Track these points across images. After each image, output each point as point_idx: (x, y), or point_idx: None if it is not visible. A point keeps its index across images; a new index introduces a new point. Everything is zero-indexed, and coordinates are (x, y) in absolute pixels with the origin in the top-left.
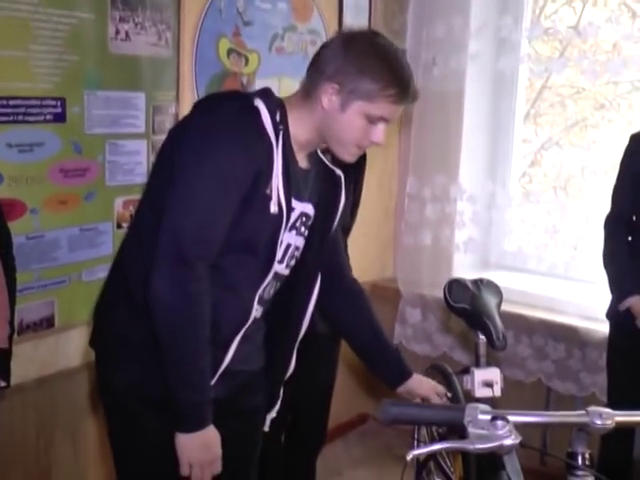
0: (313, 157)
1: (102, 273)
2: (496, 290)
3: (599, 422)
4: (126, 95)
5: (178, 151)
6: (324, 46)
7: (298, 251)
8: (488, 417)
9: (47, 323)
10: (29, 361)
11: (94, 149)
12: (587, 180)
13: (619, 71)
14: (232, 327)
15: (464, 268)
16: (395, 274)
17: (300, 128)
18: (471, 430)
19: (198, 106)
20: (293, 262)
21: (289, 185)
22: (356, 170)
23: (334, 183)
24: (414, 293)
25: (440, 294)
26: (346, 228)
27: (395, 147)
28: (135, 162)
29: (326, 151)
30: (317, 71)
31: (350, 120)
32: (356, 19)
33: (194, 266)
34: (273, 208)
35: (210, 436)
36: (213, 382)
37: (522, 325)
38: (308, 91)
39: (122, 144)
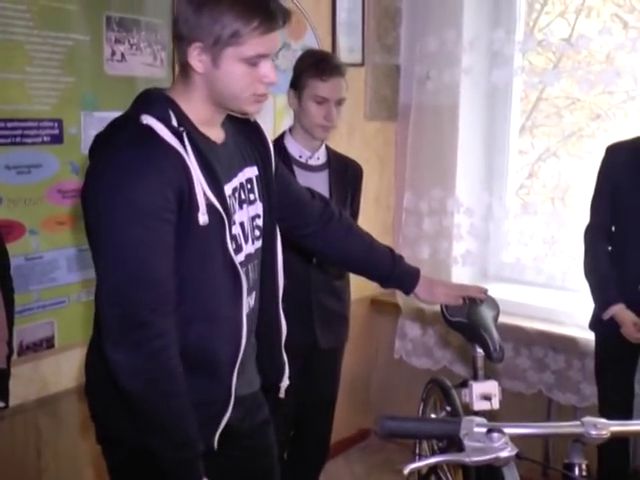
0: (226, 122)
1: None
2: (493, 303)
3: (594, 432)
4: None
5: (89, 213)
6: (175, 17)
7: (260, 218)
8: (484, 430)
9: (47, 343)
10: (29, 381)
11: None
12: (585, 190)
13: (613, 81)
14: (229, 347)
15: (463, 281)
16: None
17: (197, 108)
18: (467, 443)
19: (91, 156)
20: (258, 232)
21: (216, 178)
22: (353, 184)
23: (256, 132)
24: (413, 307)
25: (439, 308)
26: None
27: (391, 161)
28: None
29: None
30: (177, 39)
31: (229, 72)
32: (349, 35)
33: (148, 322)
34: (202, 219)
35: None
36: (228, 413)
37: (521, 337)
38: (182, 65)
39: None
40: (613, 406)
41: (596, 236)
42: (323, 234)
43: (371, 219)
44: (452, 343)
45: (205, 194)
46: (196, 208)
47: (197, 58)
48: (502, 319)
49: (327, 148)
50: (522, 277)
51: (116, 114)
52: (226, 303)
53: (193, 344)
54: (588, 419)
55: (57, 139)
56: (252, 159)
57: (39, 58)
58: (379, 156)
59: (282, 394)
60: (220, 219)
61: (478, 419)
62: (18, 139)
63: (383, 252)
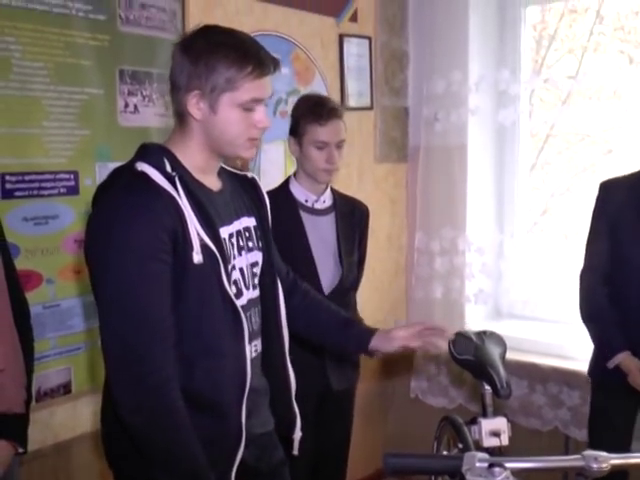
0: (222, 174)
1: None
2: (499, 340)
3: (595, 465)
4: None
5: (89, 258)
6: (171, 69)
7: (257, 266)
8: (485, 464)
9: (64, 389)
10: (46, 427)
11: None
12: None
13: (622, 116)
14: (235, 385)
15: (476, 319)
16: None
17: (193, 156)
18: (469, 478)
19: (93, 205)
20: (257, 280)
21: (209, 220)
22: (360, 226)
23: (252, 186)
24: None
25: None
26: (354, 284)
27: (403, 202)
28: None
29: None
30: (175, 89)
31: (226, 117)
32: (357, 80)
33: (147, 357)
34: (196, 258)
35: None
36: (241, 450)
37: (536, 374)
38: (179, 115)
39: None
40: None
41: (594, 279)
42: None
43: (384, 260)
44: (467, 381)
45: (199, 234)
46: (190, 247)
47: (196, 106)
48: (516, 356)
49: (332, 190)
50: (535, 314)
51: None
52: (229, 342)
53: (198, 382)
54: (589, 452)
55: (73, 190)
56: (250, 210)
57: (55, 112)
58: (390, 197)
59: (296, 450)
60: (215, 259)
61: (480, 454)
62: (35, 191)
63: (339, 320)
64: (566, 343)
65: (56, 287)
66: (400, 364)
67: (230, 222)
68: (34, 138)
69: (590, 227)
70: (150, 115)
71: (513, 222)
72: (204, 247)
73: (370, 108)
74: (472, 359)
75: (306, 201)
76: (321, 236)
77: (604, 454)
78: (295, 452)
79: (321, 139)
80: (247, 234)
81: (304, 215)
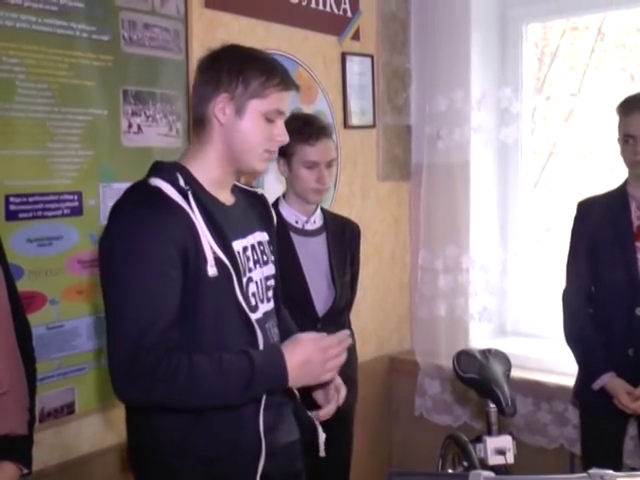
0: (235, 190)
1: None
2: (504, 359)
3: None
4: None
5: (100, 269)
6: (197, 80)
7: (270, 280)
8: None
9: (68, 410)
10: (51, 447)
11: None
12: None
13: None
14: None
15: (480, 337)
16: (413, 346)
17: (209, 168)
18: None
19: (108, 219)
20: (270, 292)
21: (222, 234)
22: (352, 245)
23: (262, 203)
24: (432, 365)
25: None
26: (348, 304)
27: (406, 220)
28: None
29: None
30: (201, 99)
31: (250, 123)
32: (360, 98)
33: (142, 356)
34: (211, 271)
35: (295, 355)
36: (261, 464)
37: (541, 392)
38: (200, 123)
39: None
40: None
41: (577, 300)
42: None
43: (388, 278)
44: (472, 399)
45: (212, 248)
46: (204, 261)
47: (222, 109)
48: (521, 374)
49: (322, 210)
50: (540, 332)
51: None
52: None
53: None
54: (595, 471)
55: (77, 211)
56: (262, 226)
57: (59, 134)
58: (393, 216)
59: (322, 452)
60: (228, 272)
61: (485, 473)
62: (39, 213)
63: None
64: (571, 361)
65: (60, 308)
66: (404, 382)
67: (244, 236)
68: (38, 159)
69: (569, 247)
70: (153, 135)
71: (516, 240)
72: (218, 260)
73: (373, 126)
74: (477, 377)
75: (296, 222)
76: (313, 257)
77: (610, 472)
78: (322, 454)
79: (311, 159)
80: (261, 248)
81: (295, 237)
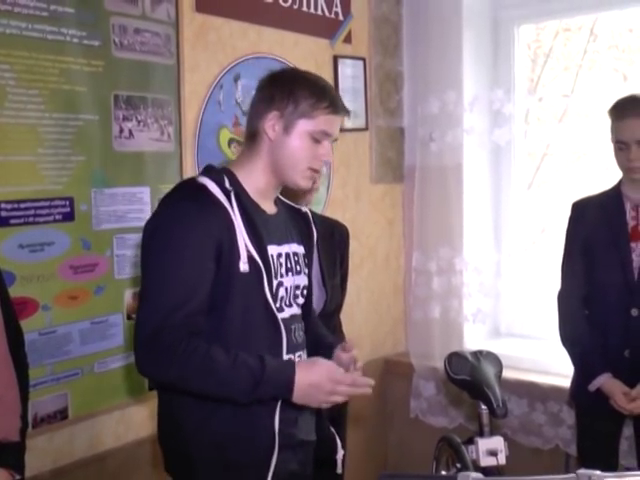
0: (278, 202)
1: (113, 364)
2: (495, 360)
3: None
4: (131, 190)
5: (142, 253)
6: (254, 97)
7: (299, 289)
8: None
9: (61, 415)
10: (44, 453)
11: (102, 244)
12: None
13: None
14: None
15: (475, 339)
16: (408, 349)
17: (255, 177)
18: None
19: (157, 207)
20: (301, 300)
21: (258, 235)
22: (341, 247)
23: (304, 220)
24: (427, 366)
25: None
26: (338, 306)
27: (400, 223)
28: None
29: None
30: (254, 114)
31: (296, 141)
32: (353, 101)
33: (166, 331)
34: (243, 267)
35: (307, 376)
36: (275, 455)
37: (536, 392)
38: (252, 136)
39: (129, 237)
40: None
41: (572, 302)
42: None
43: (382, 280)
44: (467, 401)
45: (246, 246)
46: (238, 257)
47: (272, 125)
48: (516, 375)
49: (311, 212)
50: (534, 333)
51: (125, 189)
52: (267, 348)
53: None
54: (583, 471)
55: (68, 216)
56: (300, 240)
57: (50, 139)
58: (387, 218)
59: (339, 469)
60: (260, 271)
61: (474, 474)
62: (31, 219)
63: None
64: (565, 361)
65: (52, 313)
66: (399, 384)
67: (280, 243)
68: (29, 165)
69: (564, 248)
70: (145, 140)
71: (510, 241)
72: (251, 258)
73: (365, 129)
74: (468, 379)
75: None
76: None
77: (598, 473)
78: (339, 471)
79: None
80: (296, 258)
81: None
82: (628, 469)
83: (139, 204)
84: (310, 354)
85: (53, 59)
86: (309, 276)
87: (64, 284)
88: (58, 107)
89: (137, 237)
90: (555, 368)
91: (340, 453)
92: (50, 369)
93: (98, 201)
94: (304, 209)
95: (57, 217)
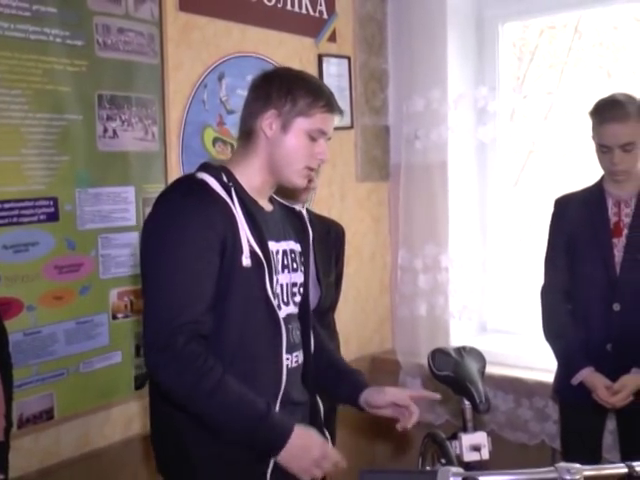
0: (274, 201)
1: (99, 364)
2: (478, 356)
3: (568, 477)
4: (116, 190)
5: (142, 250)
6: (248, 96)
7: (297, 287)
8: (459, 478)
9: (47, 415)
10: (30, 453)
11: (87, 244)
12: None
13: None
14: (268, 391)
15: (461, 335)
16: (394, 346)
17: (251, 175)
18: None
19: (153, 205)
20: (298, 298)
21: (259, 230)
22: (336, 246)
23: (299, 218)
24: (413, 363)
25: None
26: (332, 304)
27: (386, 221)
28: (128, 254)
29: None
30: (250, 113)
31: (293, 139)
32: (337, 99)
33: (179, 339)
34: (245, 261)
35: (301, 438)
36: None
37: (521, 388)
38: (247, 135)
39: (114, 237)
40: None
41: (555, 296)
42: None
43: (368, 278)
44: (453, 397)
45: (249, 241)
46: (240, 252)
47: (269, 124)
48: (502, 371)
49: (308, 211)
50: (520, 329)
51: (110, 189)
52: (267, 347)
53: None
54: (562, 465)
55: (53, 217)
56: (296, 238)
57: (34, 140)
58: (373, 216)
59: None
60: (262, 266)
61: (454, 469)
62: (15, 219)
63: (337, 368)
64: (550, 357)
65: (37, 314)
66: (386, 380)
67: (277, 240)
68: (13, 166)
69: (547, 244)
70: (129, 139)
71: (496, 238)
72: (253, 253)
73: (351, 127)
74: (451, 375)
75: None
76: None
77: (577, 466)
78: None
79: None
80: (292, 256)
81: None
82: (612, 464)
83: (124, 204)
84: (325, 376)
85: (36, 59)
86: (306, 274)
87: (49, 284)
88: (42, 107)
89: (122, 237)
90: (541, 364)
91: None
92: (35, 369)
93: (82, 201)
94: (298, 208)
95: (41, 217)
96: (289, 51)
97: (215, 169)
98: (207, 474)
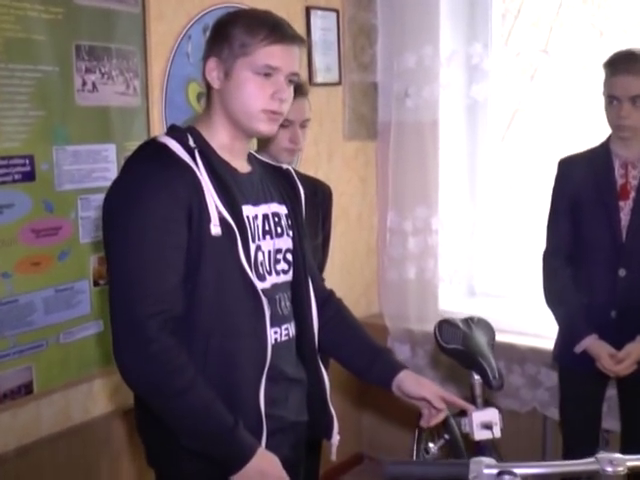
0: (253, 160)
1: (80, 334)
2: (488, 328)
3: (610, 469)
4: (96, 148)
5: (103, 221)
6: None
7: (281, 253)
8: (494, 471)
9: (25, 390)
10: (8, 430)
11: (66, 206)
12: None
13: (591, 89)
14: (252, 366)
15: (450, 299)
16: (381, 310)
17: (217, 133)
18: None
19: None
20: (285, 266)
21: (230, 194)
22: (323, 207)
23: (286, 177)
24: (401, 328)
25: (428, 327)
26: (320, 267)
27: (373, 181)
28: None
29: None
30: (203, 67)
31: (241, 82)
32: (325, 55)
33: (149, 325)
34: (214, 230)
35: (262, 462)
36: (263, 437)
37: (513, 354)
38: (207, 91)
39: (94, 199)
40: (580, 441)
41: (557, 261)
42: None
43: (355, 240)
44: (443, 363)
45: (217, 207)
46: (208, 219)
47: (214, 74)
48: None
49: (294, 171)
50: (511, 292)
51: (89, 147)
52: (247, 321)
53: (214, 358)
54: (603, 455)
55: (29, 176)
56: (281, 199)
57: (7, 92)
58: (360, 176)
59: (334, 456)
60: (233, 235)
61: (487, 460)
62: None
63: (367, 345)
64: (545, 322)
65: (13, 281)
66: None
67: (256, 204)
68: None
69: (550, 207)
70: (110, 93)
71: (486, 200)
72: (223, 221)
73: (338, 84)
74: (461, 348)
75: None
76: None
77: (619, 456)
78: (333, 457)
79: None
80: (276, 219)
81: None
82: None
83: (104, 162)
84: (349, 351)
85: (8, 5)
86: (298, 237)
87: (26, 249)
88: (14, 57)
89: (103, 198)
90: (534, 329)
91: (336, 438)
92: (13, 341)
93: (60, 159)
94: (285, 166)
95: (16, 177)
96: (275, 2)
97: (181, 131)
98: (196, 466)
